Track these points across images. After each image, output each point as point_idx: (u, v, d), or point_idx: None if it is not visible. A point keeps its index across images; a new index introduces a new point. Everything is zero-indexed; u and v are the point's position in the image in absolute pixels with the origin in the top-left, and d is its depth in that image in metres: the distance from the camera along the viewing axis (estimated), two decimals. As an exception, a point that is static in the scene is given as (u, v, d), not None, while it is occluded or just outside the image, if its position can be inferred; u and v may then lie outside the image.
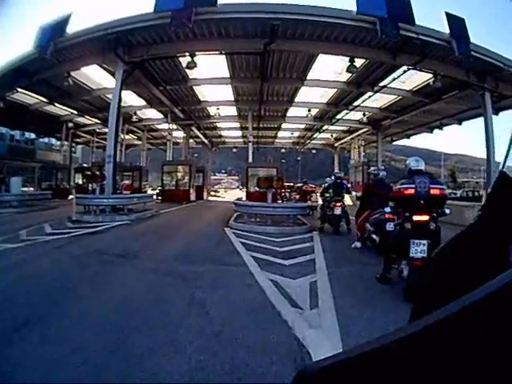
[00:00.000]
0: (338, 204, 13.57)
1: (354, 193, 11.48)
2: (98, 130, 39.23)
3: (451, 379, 0.53)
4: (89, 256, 8.81)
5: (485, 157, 20.20)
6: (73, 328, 4.49)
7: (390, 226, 7.93)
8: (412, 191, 6.36)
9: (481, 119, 21.02)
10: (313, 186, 25.26)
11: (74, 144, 41.81)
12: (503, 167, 1.11)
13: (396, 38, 16.14)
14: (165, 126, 35.69)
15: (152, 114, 34.00)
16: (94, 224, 14.71)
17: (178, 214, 21.26)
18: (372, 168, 10.86)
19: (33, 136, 42.54)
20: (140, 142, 43.82)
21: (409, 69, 19.15)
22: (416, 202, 6.32)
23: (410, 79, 22.06)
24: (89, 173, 19.59)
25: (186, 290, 6.22)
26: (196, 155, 58.01)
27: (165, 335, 4.30)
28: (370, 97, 24.70)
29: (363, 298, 5.95)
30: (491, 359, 0.50)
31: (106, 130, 32.45)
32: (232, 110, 32.31)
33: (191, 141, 44.23)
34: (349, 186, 15.92)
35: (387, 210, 7.73)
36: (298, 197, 25.41)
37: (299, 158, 76.12)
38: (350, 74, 21.20)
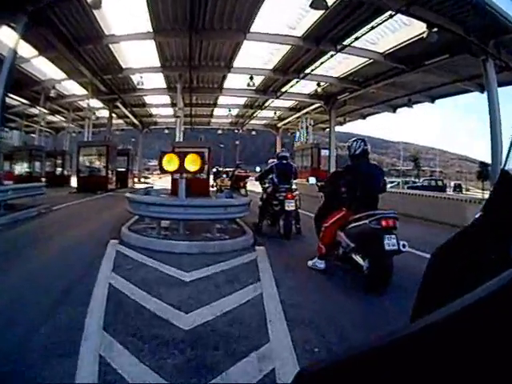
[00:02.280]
0: (290, 195, 9.77)
1: (312, 180, 8.08)
2: (26, 112, 33.93)
3: (451, 378, 0.53)
4: None
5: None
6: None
7: (390, 243, 5.39)
8: None
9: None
10: (243, 170, 24.38)
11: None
12: (504, 165, 1.22)
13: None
14: (90, 103, 30.51)
15: (76, 89, 28.54)
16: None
17: (72, 211, 15.61)
18: (352, 140, 6.72)
19: None
20: (73, 125, 38.76)
21: (397, 12, 13.70)
22: None
23: (383, 41, 17.43)
24: None
25: None
26: (133, 139, 53.59)
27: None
28: (332, 56, 19.08)
29: None
30: (491, 358, 0.50)
31: (34, 110, 31.44)
32: (160, 81, 26.83)
33: (121, 121, 41.21)
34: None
35: None
36: (229, 183, 23.95)
37: (237, 142, 72.07)
38: (307, 28, 16.64)
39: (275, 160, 11.56)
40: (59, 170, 33.67)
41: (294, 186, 10.89)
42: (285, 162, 10.86)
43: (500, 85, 16.39)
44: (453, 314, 0.53)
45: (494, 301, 0.52)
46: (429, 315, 0.56)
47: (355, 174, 6.33)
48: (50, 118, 35.95)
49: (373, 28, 15.38)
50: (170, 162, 8.70)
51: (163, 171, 8.90)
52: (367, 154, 6.51)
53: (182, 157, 8.65)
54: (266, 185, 11.33)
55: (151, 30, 17.88)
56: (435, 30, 13.97)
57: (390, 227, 5.53)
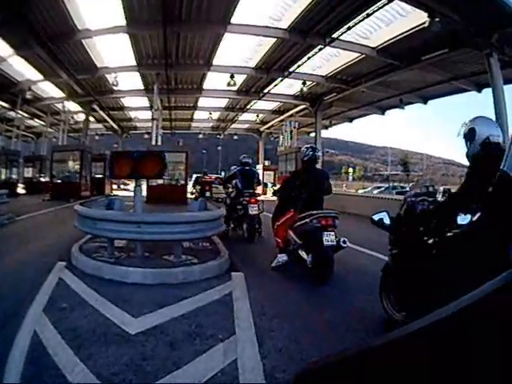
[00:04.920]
0: (254, 200, 10.57)
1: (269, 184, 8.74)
2: (7, 116, 32.36)
3: (450, 378, 0.53)
4: None
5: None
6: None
7: (328, 239, 6.24)
8: None
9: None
10: (208, 177, 25.45)
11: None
12: (503, 166, 1.26)
13: None
14: (68, 106, 30.57)
15: (53, 92, 27.53)
16: None
17: (36, 222, 14.37)
18: (304, 146, 7.63)
19: None
20: (52, 130, 37.36)
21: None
22: None
23: (376, 35, 16.34)
24: None
25: None
26: (116, 145, 50.14)
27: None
28: (320, 49, 17.71)
29: None
30: (491, 358, 0.50)
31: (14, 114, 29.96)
32: (137, 82, 25.73)
33: (100, 126, 40.90)
34: (260, 173, 13.11)
35: None
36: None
37: (219, 148, 71.19)
38: (294, 19, 15.48)
39: (233, 168, 12.13)
40: (37, 175, 32.97)
41: (257, 191, 11.55)
42: (247, 168, 11.47)
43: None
44: (452, 314, 0.53)
45: (494, 301, 0.52)
46: (427, 316, 0.56)
47: (302, 178, 7.19)
48: (31, 122, 35.00)
49: (368, 15, 13.99)
50: (123, 165, 6.71)
51: (114, 176, 7.05)
52: (315, 161, 7.35)
53: (136, 158, 6.65)
54: (230, 189, 11.76)
55: (124, 24, 16.69)
56: (437, 19, 12.81)
57: (328, 225, 6.35)
